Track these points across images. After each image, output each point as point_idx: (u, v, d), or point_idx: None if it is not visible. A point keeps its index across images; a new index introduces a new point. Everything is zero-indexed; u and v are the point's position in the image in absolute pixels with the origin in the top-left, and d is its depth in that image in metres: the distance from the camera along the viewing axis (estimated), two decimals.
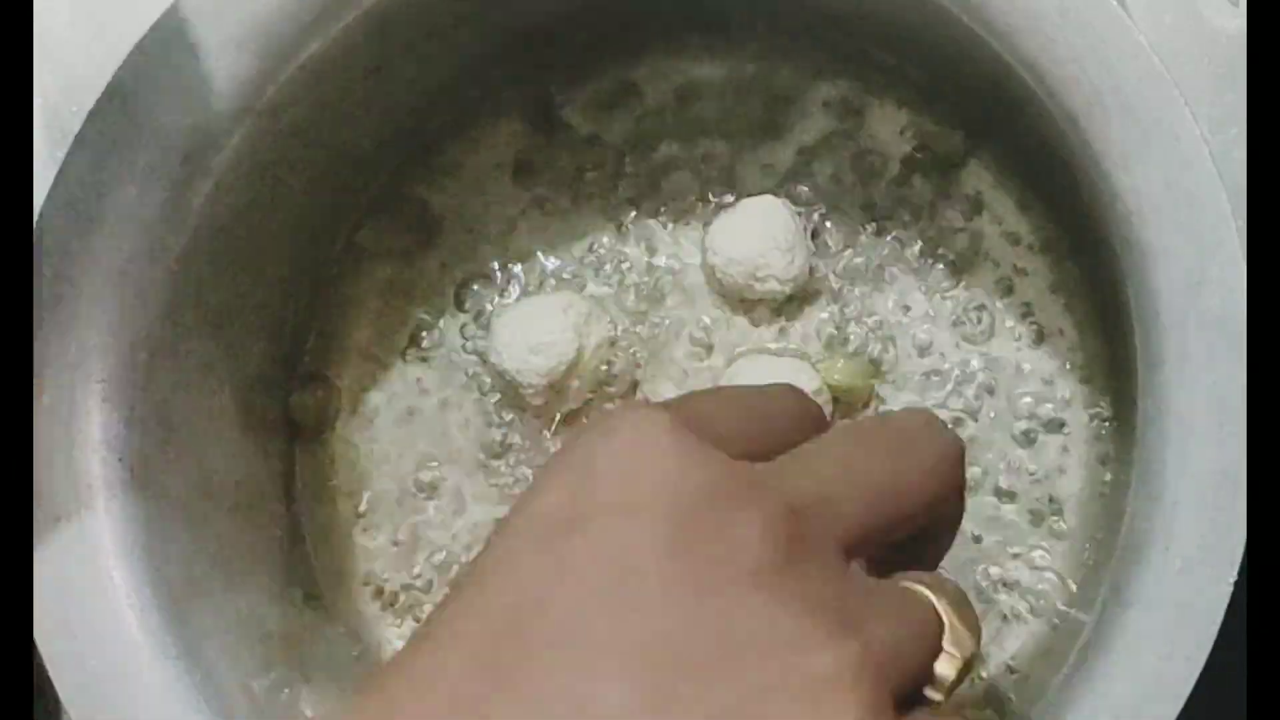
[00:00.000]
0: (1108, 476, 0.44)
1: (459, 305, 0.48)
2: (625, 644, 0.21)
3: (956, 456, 0.28)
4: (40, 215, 0.38)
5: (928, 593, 0.26)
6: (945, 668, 0.26)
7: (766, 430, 0.27)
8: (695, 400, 0.27)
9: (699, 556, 0.22)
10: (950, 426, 0.30)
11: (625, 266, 0.47)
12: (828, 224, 0.47)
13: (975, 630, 0.27)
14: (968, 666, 0.27)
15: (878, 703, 0.22)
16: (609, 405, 0.47)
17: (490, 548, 0.24)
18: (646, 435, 0.23)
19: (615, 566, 0.22)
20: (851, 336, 0.46)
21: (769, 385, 0.31)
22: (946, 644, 0.26)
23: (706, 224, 0.47)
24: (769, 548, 0.22)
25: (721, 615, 0.22)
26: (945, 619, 0.26)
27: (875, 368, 0.46)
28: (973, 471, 0.45)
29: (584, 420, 0.47)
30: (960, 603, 0.27)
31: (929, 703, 0.26)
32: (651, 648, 0.21)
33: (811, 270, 0.46)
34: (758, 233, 0.44)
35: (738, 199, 0.47)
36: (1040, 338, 0.46)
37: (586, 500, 0.23)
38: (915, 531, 0.27)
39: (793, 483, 0.24)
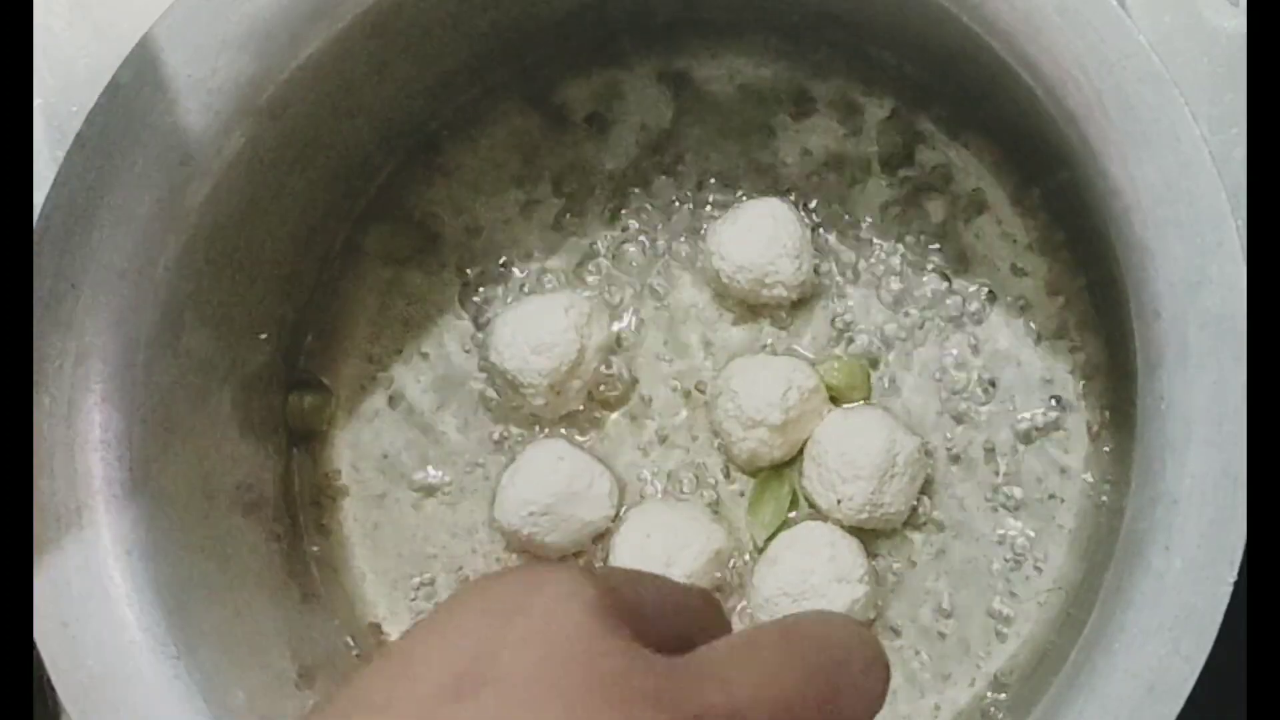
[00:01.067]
0: (1108, 476, 0.44)
1: (458, 305, 0.48)
2: None
3: (882, 675, 0.26)
4: (40, 215, 0.38)
5: None
6: None
7: (686, 620, 0.26)
8: (621, 576, 0.26)
9: None
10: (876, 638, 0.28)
11: (626, 266, 0.47)
12: (828, 224, 0.47)
13: None
14: None
15: None
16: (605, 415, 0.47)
17: (380, 679, 0.23)
18: (566, 609, 0.23)
19: None
20: (850, 336, 0.46)
21: (688, 585, 0.30)
22: None
23: (708, 223, 0.47)
24: None
25: None
26: None
27: (873, 367, 0.46)
28: (973, 470, 0.46)
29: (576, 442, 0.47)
30: None
31: None
32: None
33: (815, 270, 0.46)
34: (765, 238, 0.44)
35: (740, 199, 0.47)
36: (1040, 337, 0.46)
37: (489, 665, 0.22)
38: None
39: (702, 690, 0.23)
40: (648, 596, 0.25)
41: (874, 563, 0.45)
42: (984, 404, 0.46)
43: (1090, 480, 0.45)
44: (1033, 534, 0.45)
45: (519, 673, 0.22)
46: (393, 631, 0.47)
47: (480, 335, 0.47)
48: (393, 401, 0.48)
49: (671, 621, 0.25)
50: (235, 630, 0.41)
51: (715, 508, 0.46)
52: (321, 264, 0.48)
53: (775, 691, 0.24)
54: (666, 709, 0.22)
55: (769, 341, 0.46)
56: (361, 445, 0.48)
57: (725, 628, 0.27)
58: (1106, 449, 0.45)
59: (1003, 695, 0.44)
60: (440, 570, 0.47)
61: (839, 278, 0.47)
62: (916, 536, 0.46)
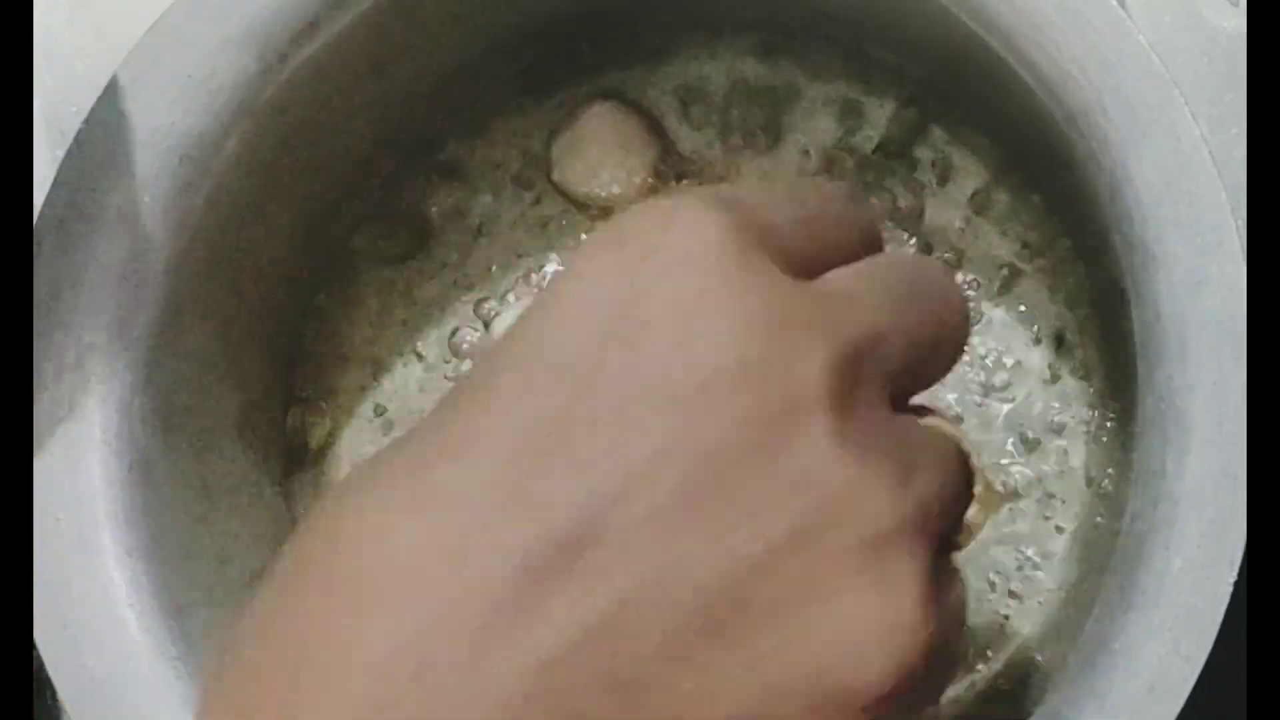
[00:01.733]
0: (1108, 476, 0.44)
1: (459, 306, 0.48)
2: (665, 453, 0.20)
3: (967, 309, 0.27)
4: (40, 215, 0.38)
5: (957, 436, 0.25)
6: (973, 513, 0.25)
7: (821, 238, 0.24)
8: (752, 197, 0.24)
9: (759, 387, 0.20)
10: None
11: None
12: None
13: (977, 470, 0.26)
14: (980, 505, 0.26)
15: (928, 561, 0.22)
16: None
17: (508, 356, 0.22)
18: (703, 244, 0.21)
19: (664, 389, 0.20)
20: None
21: (819, 181, 0.29)
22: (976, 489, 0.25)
23: None
24: (833, 387, 0.21)
25: (780, 449, 0.20)
26: (974, 464, 0.25)
27: None
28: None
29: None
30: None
31: (956, 548, 0.25)
32: (697, 465, 0.20)
33: None
34: None
35: None
36: (1040, 338, 0.46)
37: (637, 309, 0.21)
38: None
39: (852, 313, 0.22)
40: (782, 216, 0.24)
41: None
42: (983, 404, 0.46)
43: (1090, 480, 0.45)
44: (1032, 534, 0.45)
45: (671, 313, 0.21)
46: None
47: (481, 337, 0.47)
48: (393, 404, 0.48)
49: (805, 244, 0.24)
50: None
51: None
52: (321, 264, 0.48)
53: (905, 320, 0.23)
54: (823, 336, 0.21)
55: None
56: (360, 447, 0.48)
57: (856, 242, 0.25)
58: (1106, 449, 0.45)
59: (1003, 695, 0.44)
60: None
61: None
62: None
